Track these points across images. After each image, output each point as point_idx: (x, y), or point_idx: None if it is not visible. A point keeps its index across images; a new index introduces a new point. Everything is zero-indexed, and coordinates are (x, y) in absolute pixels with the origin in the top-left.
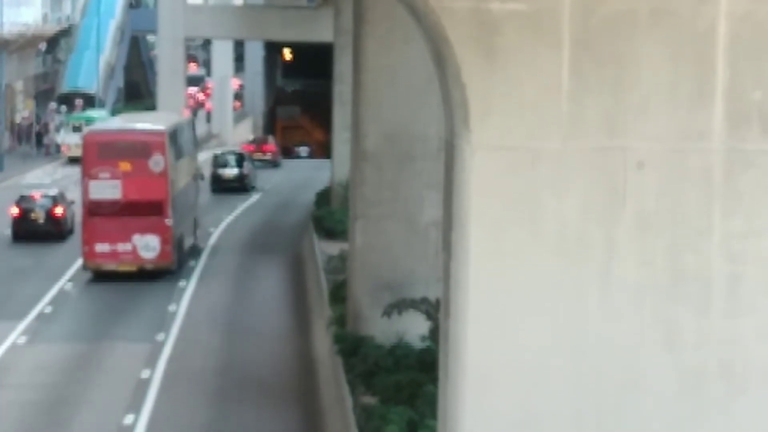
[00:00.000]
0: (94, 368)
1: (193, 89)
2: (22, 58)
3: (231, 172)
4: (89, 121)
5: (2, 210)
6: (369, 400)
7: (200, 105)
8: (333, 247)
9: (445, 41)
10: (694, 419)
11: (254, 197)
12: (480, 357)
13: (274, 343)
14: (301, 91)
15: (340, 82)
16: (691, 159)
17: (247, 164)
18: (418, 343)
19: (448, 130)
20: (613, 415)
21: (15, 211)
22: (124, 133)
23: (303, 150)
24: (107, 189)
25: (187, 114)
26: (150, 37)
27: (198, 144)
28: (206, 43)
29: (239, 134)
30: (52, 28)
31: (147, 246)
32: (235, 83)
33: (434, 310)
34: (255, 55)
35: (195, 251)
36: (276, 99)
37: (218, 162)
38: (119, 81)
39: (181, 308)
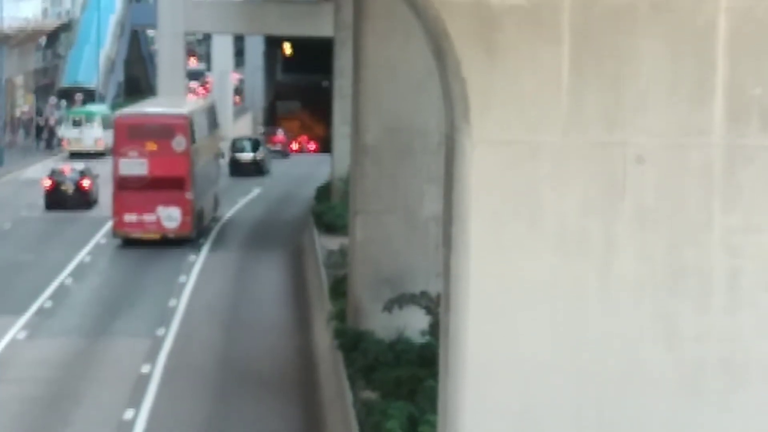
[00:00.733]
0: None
1: (193, 84)
2: (22, 52)
3: (248, 156)
4: (89, 115)
5: (7, 203)
6: (369, 395)
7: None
8: (333, 242)
9: (445, 36)
10: (694, 413)
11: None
12: (480, 351)
13: (274, 337)
14: (301, 86)
15: (341, 76)
16: (691, 154)
17: (262, 149)
18: (418, 338)
19: (448, 125)
20: (613, 408)
21: (47, 183)
22: (150, 117)
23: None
24: (135, 166)
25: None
26: (150, 32)
27: (219, 126)
28: (206, 38)
29: (239, 129)
30: (52, 23)
31: (169, 217)
32: (234, 78)
33: (434, 305)
34: (255, 49)
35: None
36: (276, 94)
37: (236, 147)
38: (119, 75)
39: (180, 304)
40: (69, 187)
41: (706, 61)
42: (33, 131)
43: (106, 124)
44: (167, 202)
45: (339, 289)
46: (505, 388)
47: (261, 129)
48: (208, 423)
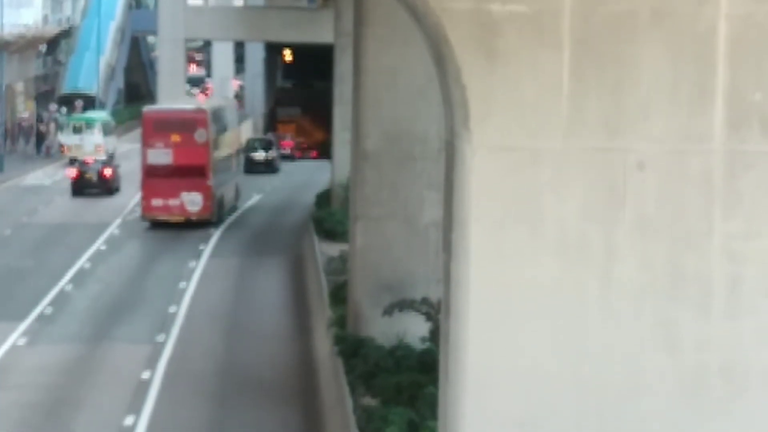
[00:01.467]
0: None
1: (193, 90)
2: (22, 59)
3: (261, 155)
4: (89, 122)
5: (7, 212)
6: (369, 401)
7: None
8: (333, 249)
9: (446, 42)
10: (695, 421)
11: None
12: (480, 358)
13: (274, 343)
14: (301, 93)
15: (341, 83)
16: (691, 160)
17: (273, 150)
18: (418, 344)
19: (448, 131)
20: (614, 416)
21: (73, 173)
22: (174, 112)
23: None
24: (161, 156)
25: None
26: (150, 38)
27: (240, 123)
28: (206, 44)
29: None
30: (52, 30)
31: (192, 201)
32: (235, 84)
33: (435, 311)
34: (255, 56)
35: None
36: (276, 100)
37: (250, 146)
38: (119, 82)
39: (181, 309)
40: (92, 176)
41: (707, 67)
42: (33, 138)
43: (106, 130)
44: (190, 188)
45: (339, 295)
46: (505, 395)
47: (270, 136)
48: (208, 429)
